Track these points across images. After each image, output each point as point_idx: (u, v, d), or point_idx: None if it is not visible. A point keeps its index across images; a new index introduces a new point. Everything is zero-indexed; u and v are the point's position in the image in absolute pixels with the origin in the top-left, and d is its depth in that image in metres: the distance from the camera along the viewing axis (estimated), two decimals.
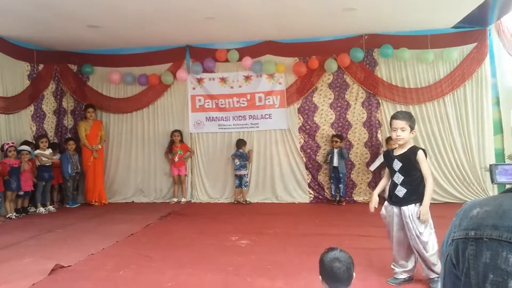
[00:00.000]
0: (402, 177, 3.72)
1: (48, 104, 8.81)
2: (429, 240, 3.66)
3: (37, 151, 7.87)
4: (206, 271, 4.24)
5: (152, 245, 5.35)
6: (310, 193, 8.46)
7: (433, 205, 7.66)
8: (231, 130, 8.76)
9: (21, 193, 7.53)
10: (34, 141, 8.16)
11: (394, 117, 3.74)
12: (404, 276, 3.81)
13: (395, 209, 3.75)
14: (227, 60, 8.58)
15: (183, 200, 8.72)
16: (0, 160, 7.22)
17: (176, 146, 8.67)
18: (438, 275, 3.66)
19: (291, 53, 8.48)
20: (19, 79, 8.10)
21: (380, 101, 8.26)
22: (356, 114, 8.35)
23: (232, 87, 8.72)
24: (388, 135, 8.14)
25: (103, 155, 8.98)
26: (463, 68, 7.93)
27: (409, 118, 3.69)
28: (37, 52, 8.46)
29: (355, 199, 8.32)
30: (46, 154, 7.95)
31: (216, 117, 8.81)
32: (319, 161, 8.48)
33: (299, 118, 8.54)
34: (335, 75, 8.40)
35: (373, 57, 8.27)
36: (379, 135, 8.27)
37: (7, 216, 7.23)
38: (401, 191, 3.72)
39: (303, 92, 8.46)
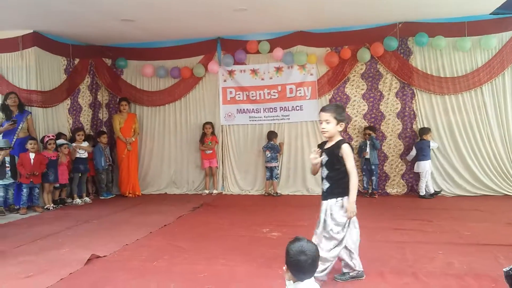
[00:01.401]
0: (327, 172, 3.62)
1: (84, 98, 9.02)
2: (345, 238, 3.55)
3: (74, 144, 8.09)
4: (238, 262, 4.26)
5: (185, 236, 5.41)
6: None
7: (469, 198, 7.55)
8: (262, 122, 8.74)
9: (57, 185, 7.76)
10: (71, 134, 8.40)
11: (321, 109, 3.68)
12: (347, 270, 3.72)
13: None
14: (258, 52, 8.56)
15: (214, 192, 8.80)
16: (39, 152, 7.45)
17: (207, 138, 8.73)
18: (351, 270, 3.59)
19: (322, 43, 8.37)
20: (56, 73, 8.33)
21: (415, 91, 8.06)
22: (390, 105, 8.18)
23: (263, 79, 8.69)
24: (421, 126, 7.96)
25: (137, 147, 9.14)
26: (502, 56, 7.64)
27: (335, 110, 3.58)
28: (73, 46, 8.67)
29: (388, 191, 8.18)
30: (83, 147, 8.16)
31: (247, 109, 8.81)
32: None
33: None
34: (368, 65, 8.24)
35: (408, 45, 8.06)
36: (414, 126, 8.09)
37: (45, 207, 7.48)
38: (325, 185, 3.64)
39: (335, 83, 8.35)
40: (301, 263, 2.30)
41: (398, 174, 8.20)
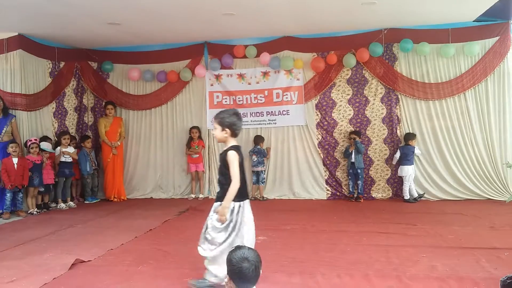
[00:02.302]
0: (218, 176, 3.77)
1: (69, 101, 8.95)
2: (213, 238, 3.58)
3: (59, 148, 8.00)
4: None
5: (171, 240, 5.39)
6: (328, 190, 8.42)
7: (453, 202, 7.64)
8: (249, 126, 8.74)
9: (42, 189, 7.66)
10: (56, 138, 8.32)
11: None
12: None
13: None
14: (245, 56, 8.59)
15: (200, 196, 8.77)
16: (22, 156, 7.36)
17: (194, 142, 8.72)
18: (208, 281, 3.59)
19: (309, 48, 8.44)
20: (41, 76, 8.25)
21: (399, 96, 8.16)
22: (375, 110, 8.26)
23: (249, 83, 8.72)
24: (405, 131, 8.06)
25: (122, 151, 9.09)
26: (485, 63, 7.78)
27: (218, 116, 3.67)
28: (58, 49, 8.61)
29: (373, 195, 8.25)
30: (69, 153, 8.08)
31: None
32: (337, 157, 8.42)
33: (317, 114, 8.50)
34: (353, 70, 8.32)
35: (393, 51, 8.17)
36: (398, 131, 8.18)
37: (28, 212, 7.38)
38: (217, 189, 3.79)
39: (321, 88, 8.41)
40: (244, 270, 2.27)
41: (383, 178, 8.28)
